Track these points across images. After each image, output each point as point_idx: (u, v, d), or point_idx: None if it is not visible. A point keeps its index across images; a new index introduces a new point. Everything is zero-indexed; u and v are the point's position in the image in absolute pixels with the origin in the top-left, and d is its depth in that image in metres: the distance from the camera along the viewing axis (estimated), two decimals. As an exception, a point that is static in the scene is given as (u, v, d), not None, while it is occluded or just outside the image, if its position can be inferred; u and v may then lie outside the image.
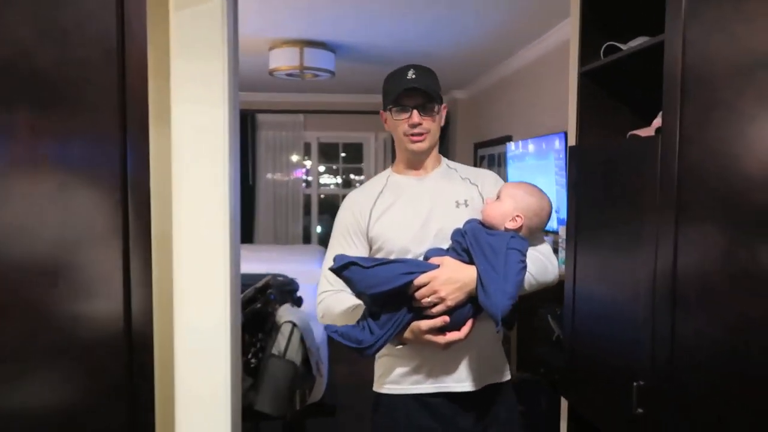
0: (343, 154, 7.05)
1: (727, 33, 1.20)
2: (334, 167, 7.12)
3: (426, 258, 1.47)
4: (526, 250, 1.44)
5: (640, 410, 1.45)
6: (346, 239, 1.58)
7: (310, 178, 6.87)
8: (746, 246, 1.13)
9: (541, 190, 1.52)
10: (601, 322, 1.72)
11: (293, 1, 3.26)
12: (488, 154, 5.33)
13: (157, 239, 1.73)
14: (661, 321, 1.38)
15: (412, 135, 1.54)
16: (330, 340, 3.72)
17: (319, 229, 6.93)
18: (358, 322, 1.44)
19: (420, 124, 1.52)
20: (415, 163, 1.61)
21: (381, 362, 1.59)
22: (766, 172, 1.10)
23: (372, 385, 1.62)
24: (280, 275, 3.51)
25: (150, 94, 1.72)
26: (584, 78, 1.87)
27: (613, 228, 1.65)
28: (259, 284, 3.08)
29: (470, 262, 1.42)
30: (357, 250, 1.56)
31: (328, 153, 7.03)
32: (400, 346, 1.48)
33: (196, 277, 1.76)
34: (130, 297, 0.86)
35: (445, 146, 6.17)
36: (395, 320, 1.40)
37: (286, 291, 3.34)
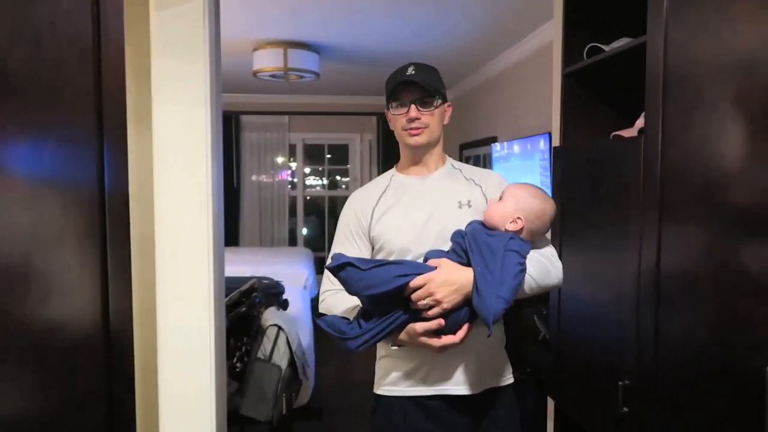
0: (328, 156, 7.02)
1: (708, 33, 1.21)
2: (320, 169, 7.09)
3: (425, 259, 1.45)
4: (527, 253, 1.41)
5: (625, 409, 1.46)
6: (348, 239, 1.58)
7: (295, 180, 6.84)
8: (728, 244, 1.14)
9: (545, 193, 1.50)
10: (587, 322, 1.73)
11: (277, 2, 3.24)
12: (473, 155, 5.34)
13: (137, 242, 1.71)
14: (646, 320, 1.39)
15: (410, 129, 1.53)
16: (316, 343, 3.71)
17: (305, 231, 6.90)
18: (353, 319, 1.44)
19: (418, 118, 1.51)
20: (416, 158, 1.59)
21: (381, 364, 1.58)
22: (747, 171, 1.11)
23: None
24: (265, 278, 3.48)
25: (130, 95, 1.70)
26: (568, 79, 1.88)
27: (598, 228, 1.66)
28: (245, 287, 3.05)
29: (470, 263, 1.40)
30: (359, 250, 1.55)
31: (313, 154, 7.00)
32: (396, 348, 1.48)
33: (179, 280, 1.73)
34: (108, 301, 0.84)
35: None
36: (387, 318, 1.39)
37: (272, 294, 3.30)
